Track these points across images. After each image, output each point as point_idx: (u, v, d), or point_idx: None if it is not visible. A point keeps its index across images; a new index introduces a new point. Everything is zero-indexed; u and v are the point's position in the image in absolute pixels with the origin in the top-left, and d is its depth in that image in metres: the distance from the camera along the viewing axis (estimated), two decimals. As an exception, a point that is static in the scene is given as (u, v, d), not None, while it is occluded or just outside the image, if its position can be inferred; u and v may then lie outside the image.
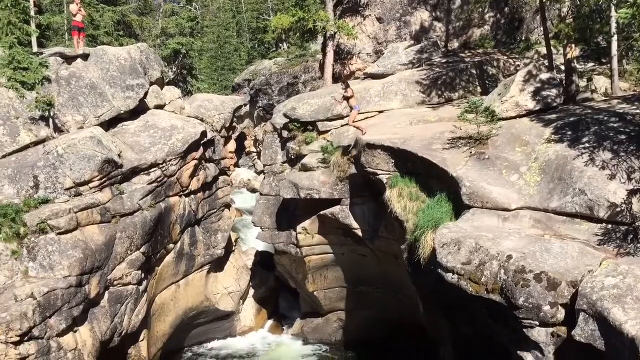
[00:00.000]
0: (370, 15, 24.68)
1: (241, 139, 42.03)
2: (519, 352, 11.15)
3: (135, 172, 18.71)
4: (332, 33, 23.90)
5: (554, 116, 15.03)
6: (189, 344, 22.84)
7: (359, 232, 18.87)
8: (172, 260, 20.45)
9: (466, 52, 23.13)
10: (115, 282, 17.36)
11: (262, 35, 50.20)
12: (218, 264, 23.16)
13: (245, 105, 37.61)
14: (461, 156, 14.63)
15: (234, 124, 27.67)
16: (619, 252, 11.19)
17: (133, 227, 17.92)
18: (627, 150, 12.71)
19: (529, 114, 15.63)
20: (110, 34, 29.10)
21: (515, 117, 15.58)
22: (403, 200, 15.43)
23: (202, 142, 21.48)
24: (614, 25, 15.75)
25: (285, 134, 21.93)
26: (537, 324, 10.60)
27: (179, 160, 19.97)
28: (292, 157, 21.39)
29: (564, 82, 16.80)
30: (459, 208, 13.72)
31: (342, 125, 20.50)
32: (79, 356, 15.44)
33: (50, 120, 18.38)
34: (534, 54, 21.27)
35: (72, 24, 21.57)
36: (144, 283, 18.52)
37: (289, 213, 21.08)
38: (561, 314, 10.48)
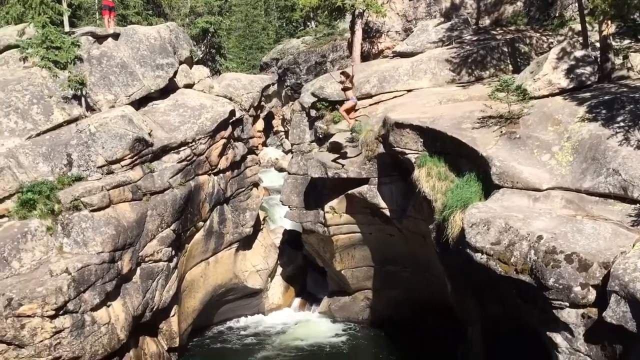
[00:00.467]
0: (399, -8, 24.36)
1: (269, 118, 42.19)
2: (548, 333, 11.09)
3: (165, 150, 18.94)
4: (361, 11, 23.64)
5: (587, 94, 14.69)
6: (218, 320, 23.23)
7: (387, 212, 18.85)
8: (201, 237, 20.75)
9: (497, 29, 22.68)
10: (147, 259, 17.70)
11: (290, 13, 49.93)
12: (246, 242, 23.41)
13: (273, 84, 37.70)
14: (491, 135, 14.44)
15: (262, 103, 27.76)
16: (653, 234, 10.98)
17: (163, 205, 18.19)
18: (663, 130, 12.41)
19: (562, 92, 15.31)
20: (139, 13, 29.32)
21: (547, 96, 15.27)
22: (431, 179, 15.34)
23: (231, 120, 21.60)
24: (652, 0, 15.24)
25: (313, 112, 21.91)
26: (567, 304, 10.51)
27: (208, 138, 20.14)
28: (320, 136, 21.39)
29: (599, 60, 16.38)
30: (489, 188, 13.59)
31: (371, 104, 20.40)
32: (112, 330, 15.84)
33: (83, 99, 18.64)
34: (568, 31, 20.76)
35: (102, 4, 21.76)
36: (174, 260, 18.85)
37: (317, 192, 21.15)
38: (592, 295, 10.37)
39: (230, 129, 21.55)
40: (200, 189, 20.04)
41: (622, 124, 12.95)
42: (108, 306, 16.08)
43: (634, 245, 10.57)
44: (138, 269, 17.47)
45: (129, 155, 17.74)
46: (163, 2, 33.20)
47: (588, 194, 12.37)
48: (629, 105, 13.37)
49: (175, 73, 21.47)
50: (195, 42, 30.41)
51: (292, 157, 22.86)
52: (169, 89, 21.22)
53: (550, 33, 21.30)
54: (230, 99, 23.46)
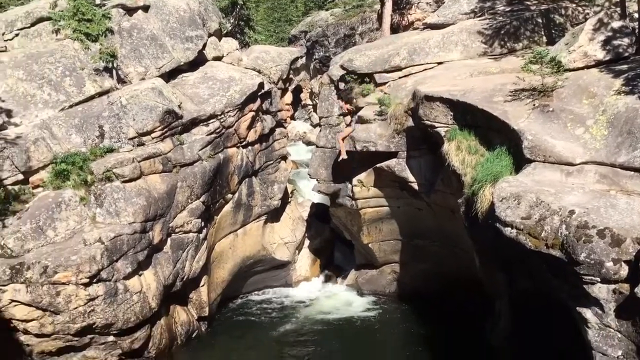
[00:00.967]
0: (431, -38, 23.87)
1: (297, 91, 42.01)
2: (577, 308, 11.00)
3: (195, 122, 19.07)
4: (391, -19, 23.29)
5: (624, 67, 14.29)
6: (246, 291, 23.56)
7: (415, 186, 18.76)
8: (230, 209, 20.96)
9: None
10: (177, 230, 17.98)
11: (319, -15, 49.35)
12: (274, 215, 23.58)
13: (302, 57, 37.40)
14: (523, 108, 14.19)
15: (291, 76, 27.64)
16: (689, 209, 10.74)
17: (193, 177, 18.39)
18: (703, 103, 12.04)
19: (598, 64, 14.91)
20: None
21: (582, 68, 14.90)
22: (461, 153, 15.18)
23: (259, 93, 21.61)
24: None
25: (341, 85, 21.76)
26: (598, 280, 10.39)
27: (237, 111, 20.20)
28: (349, 109, 21.27)
29: (637, 31, 15.89)
30: (520, 162, 13.40)
31: (400, 77, 20.16)
32: (144, 298, 16.21)
33: (114, 71, 18.83)
34: (605, 1, 20.10)
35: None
36: (204, 231, 19.11)
37: (345, 165, 21.09)
38: (624, 271, 10.23)
39: (258, 101, 21.57)
40: (229, 162, 20.18)
41: (660, 97, 12.61)
42: (140, 275, 16.44)
43: (669, 221, 10.36)
44: (169, 239, 17.77)
45: (159, 128, 17.91)
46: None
47: (623, 168, 12.13)
48: (668, 78, 12.98)
49: (204, 45, 21.50)
50: (224, 14, 30.25)
51: (320, 131, 22.80)
52: (198, 61, 21.29)
53: (586, 3, 20.66)
54: (259, 71, 23.44)
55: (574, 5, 20.88)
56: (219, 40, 23.20)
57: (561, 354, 13.28)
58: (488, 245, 13.93)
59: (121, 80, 19.07)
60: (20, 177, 16.34)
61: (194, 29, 20.93)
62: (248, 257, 22.42)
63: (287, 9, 52.16)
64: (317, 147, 22.56)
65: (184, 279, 18.25)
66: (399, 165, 18.85)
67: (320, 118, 23.05)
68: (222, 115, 19.69)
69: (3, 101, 17.26)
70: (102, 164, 16.73)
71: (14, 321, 14.92)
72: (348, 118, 20.57)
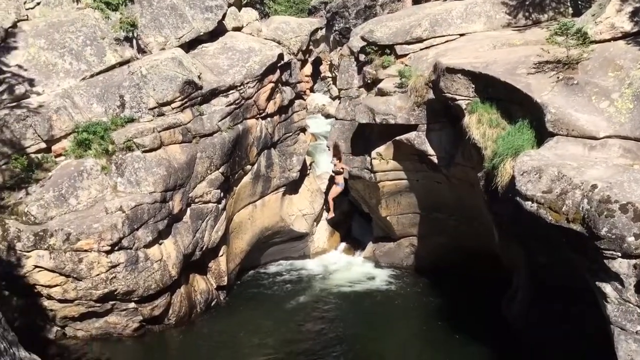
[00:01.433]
0: None
1: (317, 63, 41.68)
2: (597, 283, 10.94)
3: (214, 93, 19.07)
4: (414, -50, 22.84)
5: (652, 39, 13.97)
6: (265, 261, 23.77)
7: (434, 159, 18.65)
8: (249, 181, 21.05)
9: (558, -31, 21.54)
10: (196, 200, 18.14)
11: (340, -45, 48.51)
12: (293, 187, 23.65)
13: (322, 28, 37.03)
14: (547, 81, 13.96)
15: (310, 47, 27.42)
16: None
17: (212, 148, 18.46)
18: None
19: (625, 36, 14.54)
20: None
21: (609, 40, 14.56)
22: (482, 126, 15.02)
23: (279, 64, 21.49)
24: None
25: (361, 57, 21.54)
26: (619, 254, 10.29)
27: (256, 82, 20.14)
28: (368, 81, 21.07)
29: (667, 2, 15.45)
30: (542, 136, 13.24)
31: (421, 49, 19.92)
32: (164, 266, 16.46)
33: (134, 41, 18.82)
34: (635, -28, 19.56)
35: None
36: (223, 202, 19.25)
37: (364, 138, 21.03)
38: (646, 246, 10.12)
39: (278, 73, 21.47)
40: (248, 133, 20.20)
41: (689, 70, 12.31)
42: (160, 244, 16.66)
43: (694, 197, 10.20)
44: (188, 209, 17.94)
45: (179, 98, 17.95)
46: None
47: (648, 143, 11.93)
48: (698, 51, 12.66)
49: (224, 16, 21.35)
50: (243, -16, 30.04)
51: (339, 103, 22.68)
52: (218, 31, 21.18)
53: (615, -26, 20.11)
54: (279, 42, 23.27)
55: (602, -25, 20.35)
56: (239, 11, 23.04)
57: (580, 331, 13.31)
58: (507, 220, 13.87)
59: (141, 50, 19.07)
60: (43, 145, 16.54)
61: (214, -1, 20.79)
62: (266, 229, 22.58)
63: (307, -20, 51.50)
64: (336, 119, 22.46)
65: (203, 249, 18.46)
66: (418, 138, 18.73)
67: (339, 90, 22.90)
68: (242, 86, 19.65)
69: (25, 70, 17.36)
70: (122, 134, 16.86)
71: (37, 286, 15.27)
72: (340, 178, 21.09)
